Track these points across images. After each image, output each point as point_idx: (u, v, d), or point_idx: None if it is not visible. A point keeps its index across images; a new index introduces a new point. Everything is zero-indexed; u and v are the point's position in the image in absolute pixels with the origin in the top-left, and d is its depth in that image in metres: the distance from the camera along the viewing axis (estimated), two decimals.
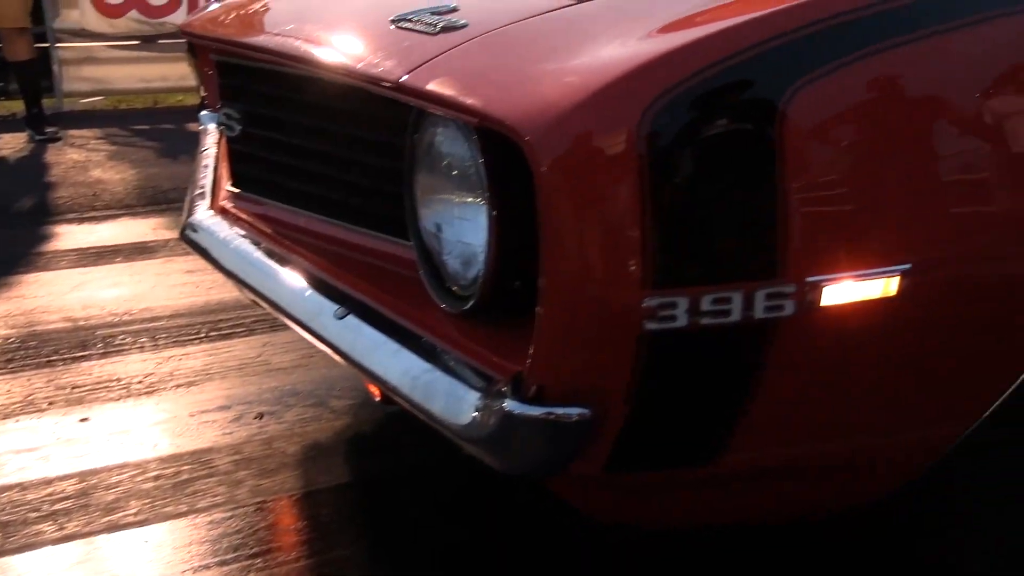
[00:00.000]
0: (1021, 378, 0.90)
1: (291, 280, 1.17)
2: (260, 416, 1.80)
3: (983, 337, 0.85)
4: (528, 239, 0.76)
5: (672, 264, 0.71)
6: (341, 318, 1.07)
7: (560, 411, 0.77)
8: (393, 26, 0.99)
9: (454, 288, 0.97)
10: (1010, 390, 0.89)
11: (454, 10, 0.98)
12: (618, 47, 0.77)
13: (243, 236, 1.28)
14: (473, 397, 0.83)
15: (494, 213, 0.84)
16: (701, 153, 0.71)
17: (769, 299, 0.73)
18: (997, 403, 0.89)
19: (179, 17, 4.95)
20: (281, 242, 1.25)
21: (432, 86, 0.81)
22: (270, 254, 1.24)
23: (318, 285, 1.14)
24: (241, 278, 1.27)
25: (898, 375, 0.82)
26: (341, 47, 1.02)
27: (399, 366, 0.96)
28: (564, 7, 0.91)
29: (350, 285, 1.11)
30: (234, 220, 1.34)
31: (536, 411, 0.77)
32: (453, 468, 1.55)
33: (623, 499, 0.92)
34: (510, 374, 0.81)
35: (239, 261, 1.27)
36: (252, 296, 1.28)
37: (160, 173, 3.82)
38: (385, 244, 1.13)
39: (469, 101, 0.76)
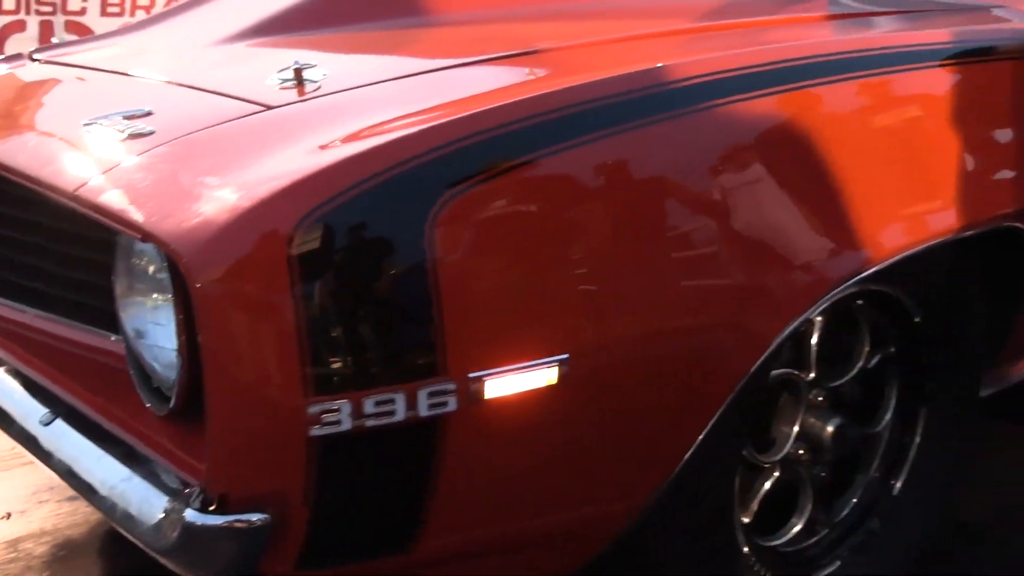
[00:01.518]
0: (692, 450, 0.99)
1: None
2: (8, 516, 1.71)
3: (648, 416, 0.92)
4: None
5: (331, 371, 0.75)
6: (47, 424, 1.04)
7: (241, 518, 0.78)
8: (84, 129, 0.98)
9: (161, 388, 0.96)
10: (683, 461, 0.97)
11: (148, 114, 0.99)
12: (283, 161, 0.80)
13: None
14: (162, 506, 0.83)
15: (181, 317, 0.85)
16: (353, 264, 0.75)
17: (432, 397, 0.78)
18: (674, 473, 0.98)
19: None
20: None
21: (103, 199, 0.82)
22: None
23: (29, 386, 1.10)
24: None
25: (572, 455, 0.89)
26: (33, 151, 1.01)
27: (100, 474, 0.94)
28: (252, 114, 0.94)
29: (63, 386, 1.08)
30: None
31: (216, 520, 0.78)
32: None
33: None
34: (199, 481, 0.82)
35: None
36: None
37: None
38: (104, 341, 1.11)
39: (133, 217, 0.78)
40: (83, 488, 0.97)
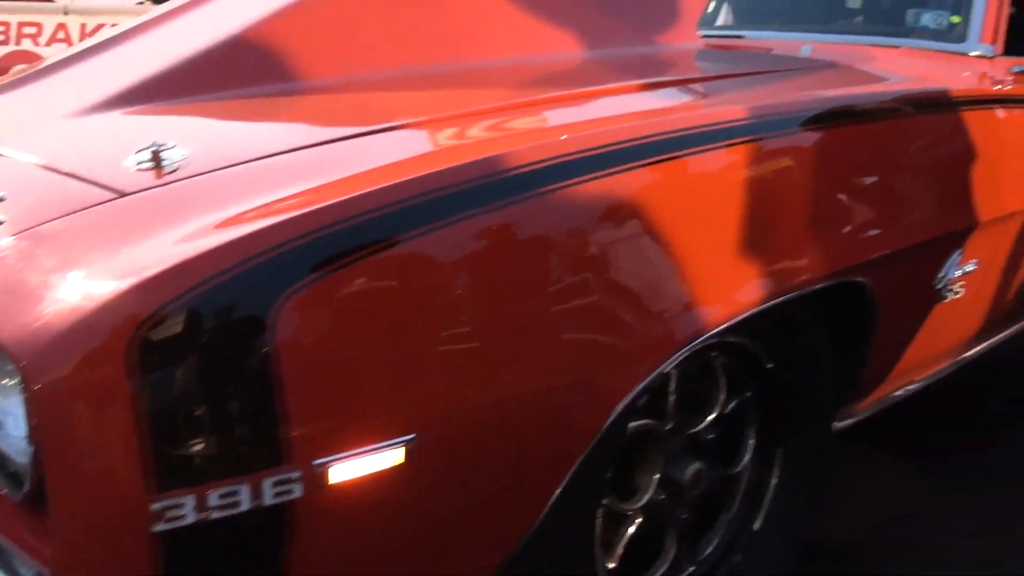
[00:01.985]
0: (547, 508, 1.04)
1: None
2: None
3: (501, 480, 0.97)
4: None
5: (174, 467, 0.77)
6: None
7: None
8: None
9: (17, 473, 0.97)
10: (539, 520, 1.02)
11: (1, 199, 0.99)
12: (129, 256, 0.83)
13: None
14: None
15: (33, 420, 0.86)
16: (193, 362, 0.78)
17: (277, 486, 0.81)
18: (531, 531, 1.02)
19: None
20: None
21: None
22: None
23: None
24: None
25: (424, 528, 0.93)
26: None
27: None
28: (105, 202, 0.96)
29: None
30: None
31: None
32: None
33: None
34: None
35: None
36: None
37: None
38: None
39: None
40: None
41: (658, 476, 1.39)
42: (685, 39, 2.07)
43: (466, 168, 0.95)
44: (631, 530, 1.38)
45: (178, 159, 1.06)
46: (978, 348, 2.11)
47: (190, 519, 0.78)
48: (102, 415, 0.75)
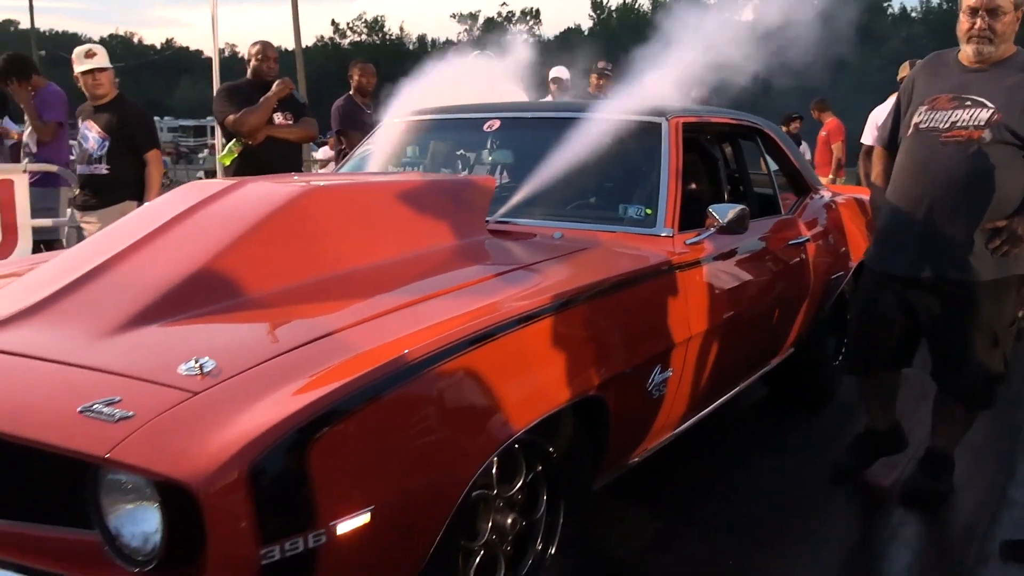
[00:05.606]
0: (431, 551, 1.90)
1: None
2: None
3: (395, 549, 1.84)
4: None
5: (268, 530, 1.58)
6: None
7: None
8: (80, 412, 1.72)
9: (135, 557, 1.71)
10: (427, 559, 1.89)
11: (118, 401, 1.75)
12: (227, 429, 1.63)
13: None
14: None
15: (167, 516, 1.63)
16: (273, 478, 1.60)
17: (314, 539, 1.63)
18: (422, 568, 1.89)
19: None
20: None
21: (133, 461, 1.60)
22: None
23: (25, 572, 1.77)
24: None
25: (383, 551, 1.78)
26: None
27: None
28: (188, 398, 1.74)
29: (48, 565, 1.77)
30: None
31: None
32: None
33: None
34: None
35: None
36: None
37: None
38: (81, 534, 1.80)
39: (161, 468, 1.57)
40: None
41: (490, 523, 2.27)
42: (477, 230, 3.02)
43: (384, 366, 1.83)
44: (477, 560, 2.25)
45: (211, 367, 1.85)
46: (682, 426, 3.17)
47: (277, 556, 1.58)
48: (234, 506, 1.54)
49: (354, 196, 2.83)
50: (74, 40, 71.52)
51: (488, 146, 3.66)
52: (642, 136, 3.33)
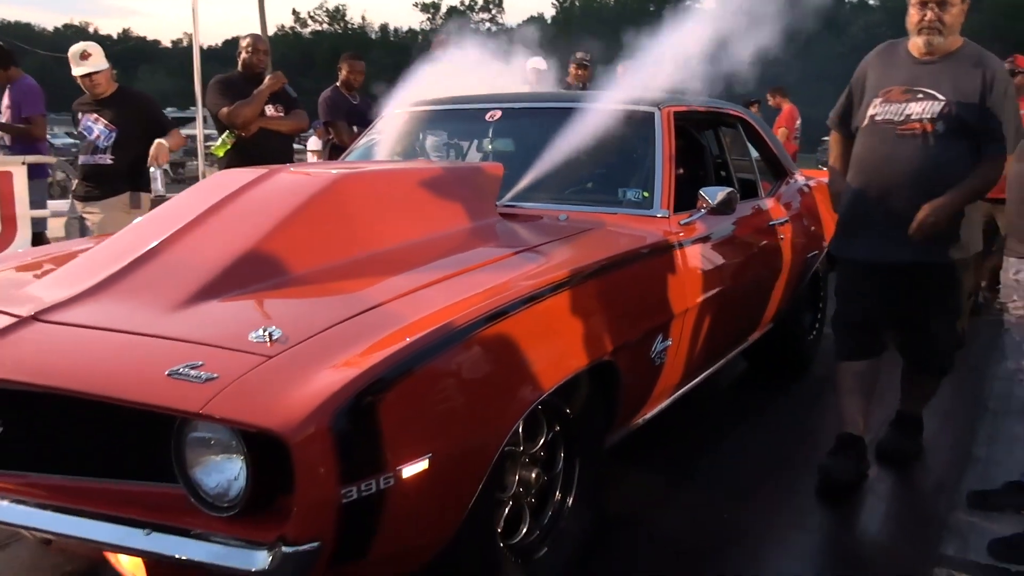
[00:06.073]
0: (472, 501, 2.14)
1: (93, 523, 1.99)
2: None
3: (449, 494, 2.08)
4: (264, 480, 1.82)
5: (349, 471, 1.81)
6: (148, 534, 1.95)
7: (308, 545, 1.80)
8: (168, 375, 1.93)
9: (217, 504, 1.93)
10: (469, 508, 2.13)
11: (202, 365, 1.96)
12: (306, 384, 1.86)
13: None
14: (263, 552, 1.81)
15: (252, 465, 1.85)
16: (351, 425, 1.82)
17: (384, 481, 1.86)
18: (466, 514, 2.13)
19: None
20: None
21: (227, 415, 1.81)
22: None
23: (120, 521, 1.98)
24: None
25: (433, 509, 2.02)
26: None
27: (200, 550, 1.88)
28: (265, 361, 1.96)
29: (140, 516, 1.98)
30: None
31: (303, 547, 1.79)
32: None
33: None
34: (274, 536, 1.81)
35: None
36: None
37: None
38: (167, 487, 2.01)
39: (252, 420, 1.79)
40: (187, 563, 1.89)
41: (516, 477, 2.51)
42: (489, 213, 3.26)
43: (434, 331, 2.07)
44: (506, 510, 2.49)
45: (278, 335, 2.06)
46: (681, 391, 3.44)
47: (355, 496, 1.81)
48: (319, 452, 1.76)
49: (382, 182, 3.05)
50: (27, 31, 70.37)
51: (490, 135, 3.89)
52: (637, 125, 3.58)
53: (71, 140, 31.52)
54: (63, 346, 2.16)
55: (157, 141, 5.12)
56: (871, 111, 3.37)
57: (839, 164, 3.62)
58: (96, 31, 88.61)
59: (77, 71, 5.15)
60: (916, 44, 3.30)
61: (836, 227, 3.64)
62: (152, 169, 5.09)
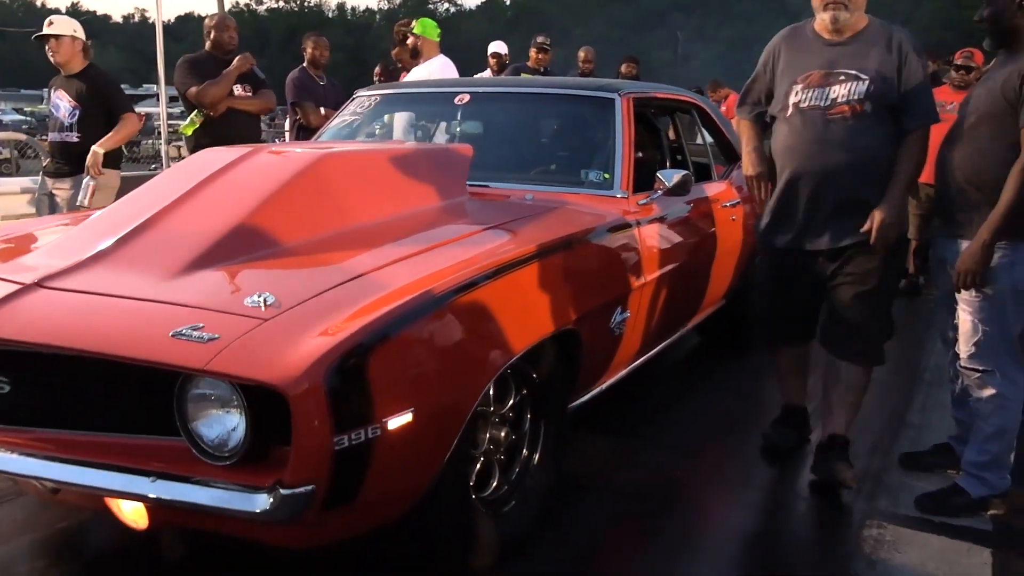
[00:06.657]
0: (448, 454, 2.35)
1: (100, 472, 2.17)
2: None
3: (427, 446, 2.29)
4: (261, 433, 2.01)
5: (341, 422, 2.00)
6: (153, 481, 2.12)
7: (304, 488, 1.99)
8: (172, 336, 2.11)
9: (217, 454, 2.12)
10: (444, 461, 2.34)
11: (200, 327, 2.14)
12: (302, 345, 2.04)
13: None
14: (263, 495, 2.00)
15: (250, 418, 2.04)
16: (342, 381, 2.02)
17: (372, 430, 2.06)
18: (442, 466, 2.33)
19: None
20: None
21: (228, 371, 1.99)
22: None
23: (125, 471, 2.16)
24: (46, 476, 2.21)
25: (415, 454, 2.22)
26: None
27: (203, 494, 2.07)
28: (260, 324, 2.14)
29: (145, 465, 2.16)
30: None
31: (300, 490, 1.99)
32: None
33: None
34: (271, 481, 2.01)
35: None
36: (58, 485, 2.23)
37: None
38: (170, 440, 2.19)
39: (254, 375, 1.97)
40: (192, 506, 2.07)
41: (487, 436, 2.73)
42: (460, 191, 3.45)
43: (416, 297, 2.27)
44: (477, 466, 2.70)
45: (272, 300, 2.24)
46: (639, 361, 3.68)
47: (346, 444, 2.01)
48: (315, 404, 1.96)
49: (361, 161, 3.23)
50: None
51: (458, 118, 4.07)
52: (598, 110, 3.79)
53: (19, 117, 31.12)
54: (71, 310, 2.32)
55: (92, 149, 5.11)
56: (793, 99, 3.27)
57: (755, 148, 3.50)
58: (44, 5, 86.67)
59: (39, 34, 5.24)
60: (823, 21, 3.22)
61: (767, 215, 3.46)
62: (85, 180, 5.02)
